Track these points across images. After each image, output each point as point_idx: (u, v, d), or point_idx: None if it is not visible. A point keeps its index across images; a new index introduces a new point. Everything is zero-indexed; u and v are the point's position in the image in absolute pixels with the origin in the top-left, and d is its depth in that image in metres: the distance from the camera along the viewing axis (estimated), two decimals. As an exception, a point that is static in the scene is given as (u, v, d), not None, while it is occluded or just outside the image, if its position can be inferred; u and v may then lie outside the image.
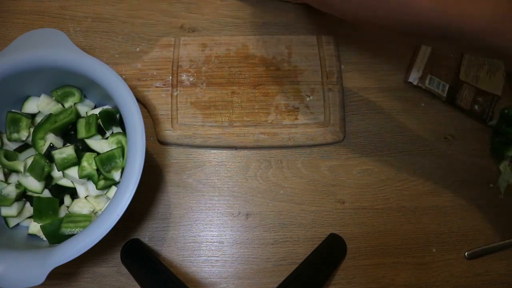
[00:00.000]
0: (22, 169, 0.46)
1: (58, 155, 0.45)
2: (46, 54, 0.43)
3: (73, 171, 0.45)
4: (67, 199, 0.47)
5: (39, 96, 0.49)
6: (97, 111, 0.49)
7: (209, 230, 0.52)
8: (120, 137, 0.47)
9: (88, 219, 0.44)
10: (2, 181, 0.46)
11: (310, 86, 0.56)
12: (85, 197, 0.47)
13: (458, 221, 0.54)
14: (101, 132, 0.48)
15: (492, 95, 0.58)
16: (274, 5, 0.60)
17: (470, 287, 0.52)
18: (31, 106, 0.49)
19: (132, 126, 0.41)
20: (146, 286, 0.45)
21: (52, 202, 0.45)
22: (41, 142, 0.47)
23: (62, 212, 0.47)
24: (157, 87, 0.54)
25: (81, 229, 0.43)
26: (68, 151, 0.45)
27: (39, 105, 0.48)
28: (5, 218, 0.46)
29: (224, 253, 0.51)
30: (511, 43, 0.34)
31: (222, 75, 0.56)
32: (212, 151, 0.54)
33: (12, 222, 0.46)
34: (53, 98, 0.49)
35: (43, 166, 0.45)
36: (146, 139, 0.41)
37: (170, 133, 0.53)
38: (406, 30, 0.38)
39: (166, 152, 0.54)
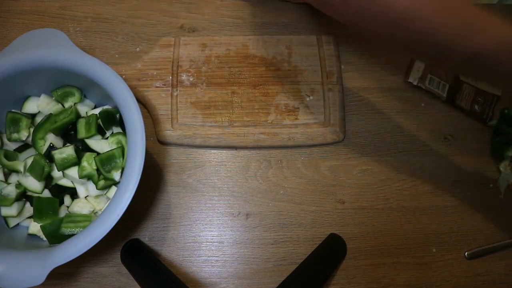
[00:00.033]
0: (22, 169, 0.46)
1: (58, 155, 0.45)
2: (46, 54, 0.43)
3: (73, 171, 0.45)
4: (67, 199, 0.47)
5: (39, 96, 0.49)
6: (97, 111, 0.49)
7: (209, 230, 0.52)
8: (120, 137, 0.47)
9: (88, 219, 0.44)
10: (2, 181, 0.46)
11: (310, 86, 0.56)
12: (85, 197, 0.47)
13: (458, 221, 0.54)
14: (101, 132, 0.48)
15: (492, 95, 0.58)
16: (274, 5, 0.60)
17: (470, 287, 0.52)
18: (31, 106, 0.49)
19: (132, 126, 0.41)
20: (146, 286, 0.45)
21: (52, 202, 0.45)
22: (41, 142, 0.47)
23: (62, 212, 0.47)
24: (157, 87, 0.54)
25: (81, 229, 0.43)
26: (68, 151, 0.45)
27: (39, 105, 0.48)
28: (5, 218, 0.46)
29: (224, 253, 0.51)
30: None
31: (222, 75, 0.56)
32: (212, 151, 0.54)
33: (12, 222, 0.46)
34: (53, 98, 0.49)
35: (43, 166, 0.45)
36: (146, 139, 0.41)
37: (170, 133, 0.53)
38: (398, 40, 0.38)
39: (166, 152, 0.54)
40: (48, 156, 0.46)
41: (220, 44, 0.57)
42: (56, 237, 0.43)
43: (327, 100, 0.55)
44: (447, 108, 0.58)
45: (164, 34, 0.58)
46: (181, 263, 0.50)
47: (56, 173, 0.46)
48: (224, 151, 0.54)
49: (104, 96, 0.48)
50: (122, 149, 0.46)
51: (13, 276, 0.37)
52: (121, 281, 0.49)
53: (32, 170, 0.45)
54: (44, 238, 0.44)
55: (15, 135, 0.47)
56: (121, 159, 0.46)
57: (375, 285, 0.51)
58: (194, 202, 0.52)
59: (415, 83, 0.57)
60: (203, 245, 0.51)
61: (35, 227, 0.45)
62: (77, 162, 0.45)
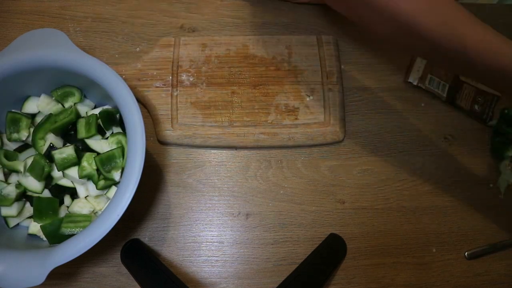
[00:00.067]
0: (22, 169, 0.46)
1: (58, 155, 0.45)
2: (46, 54, 0.43)
3: (73, 171, 0.45)
4: (67, 199, 0.47)
5: (39, 96, 0.49)
6: (97, 111, 0.49)
7: (209, 230, 0.52)
8: (120, 137, 0.47)
9: (88, 219, 0.44)
10: (2, 181, 0.46)
11: (310, 86, 0.56)
12: (85, 197, 0.47)
13: (458, 221, 0.54)
14: (101, 132, 0.48)
15: (492, 95, 0.58)
16: (274, 5, 0.60)
17: (470, 287, 0.52)
18: (31, 106, 0.49)
19: (132, 126, 0.41)
20: (146, 286, 0.45)
21: (52, 202, 0.45)
22: (41, 142, 0.47)
23: (62, 212, 0.47)
24: (157, 87, 0.54)
25: (81, 229, 0.43)
26: (68, 151, 0.45)
27: (39, 105, 0.48)
28: (5, 218, 0.46)
29: (224, 253, 0.51)
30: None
31: (222, 75, 0.56)
32: (212, 151, 0.54)
33: (12, 222, 0.46)
34: (53, 98, 0.49)
35: (43, 166, 0.45)
36: (146, 139, 0.41)
37: (170, 133, 0.53)
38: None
39: (166, 152, 0.54)
40: (48, 156, 0.46)
41: (220, 44, 0.57)
42: (56, 237, 0.43)
43: (327, 100, 0.55)
44: (447, 108, 0.58)
45: (164, 34, 0.58)
46: (181, 263, 0.50)
47: (56, 173, 0.46)
48: (224, 151, 0.54)
49: (104, 96, 0.48)
50: (122, 149, 0.46)
51: (13, 276, 0.37)
52: (121, 281, 0.49)
53: (32, 170, 0.45)
54: (44, 238, 0.44)
55: (15, 135, 0.47)
56: (121, 159, 0.46)
57: (375, 285, 0.51)
58: (194, 202, 0.52)
59: (415, 83, 0.57)
60: (203, 245, 0.51)
61: (35, 227, 0.45)
62: (77, 162, 0.45)
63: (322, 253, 0.50)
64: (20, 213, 0.46)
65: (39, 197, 0.46)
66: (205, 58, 0.56)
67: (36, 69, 0.44)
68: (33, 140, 0.47)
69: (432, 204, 0.54)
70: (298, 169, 0.54)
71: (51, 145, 0.46)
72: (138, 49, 0.57)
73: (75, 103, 0.49)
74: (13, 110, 0.48)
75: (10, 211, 0.45)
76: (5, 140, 0.48)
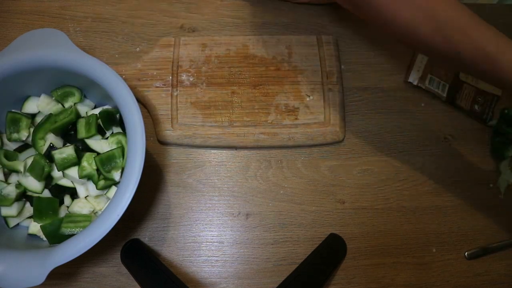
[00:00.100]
0: (22, 169, 0.46)
1: (58, 155, 0.45)
2: (46, 54, 0.43)
3: (73, 171, 0.45)
4: (67, 199, 0.47)
5: (39, 96, 0.49)
6: (97, 111, 0.49)
7: (209, 230, 0.52)
8: (120, 137, 0.47)
9: (88, 219, 0.44)
10: (2, 181, 0.46)
11: (310, 86, 0.56)
12: (85, 197, 0.47)
13: (458, 221, 0.54)
14: (101, 132, 0.48)
15: (492, 95, 0.58)
16: (274, 5, 0.60)
17: (470, 287, 0.52)
18: (31, 106, 0.49)
19: (132, 126, 0.41)
20: (146, 286, 0.45)
21: (52, 202, 0.45)
22: (41, 142, 0.47)
23: (62, 212, 0.47)
24: (157, 87, 0.54)
25: (81, 229, 0.43)
26: (68, 151, 0.45)
27: (39, 105, 0.48)
28: (5, 218, 0.46)
29: (224, 253, 0.51)
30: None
31: (222, 75, 0.56)
32: (212, 151, 0.54)
33: (12, 222, 0.46)
34: (53, 98, 0.49)
35: (43, 166, 0.45)
36: (146, 139, 0.41)
37: (170, 133, 0.53)
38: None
39: (166, 152, 0.54)
40: (48, 156, 0.46)
41: (220, 44, 0.57)
42: (56, 237, 0.43)
43: (327, 100, 0.55)
44: (447, 108, 0.58)
45: (164, 34, 0.58)
46: (181, 263, 0.50)
47: (56, 173, 0.46)
48: (224, 151, 0.54)
49: (104, 96, 0.48)
50: (122, 149, 0.46)
51: (13, 276, 0.37)
52: (121, 281, 0.49)
53: (32, 170, 0.45)
54: (44, 238, 0.44)
55: (15, 135, 0.47)
56: (121, 159, 0.46)
57: (375, 285, 0.51)
58: (194, 202, 0.52)
59: (415, 83, 0.57)
60: (203, 245, 0.51)
61: (35, 227, 0.45)
62: (77, 162, 0.45)
63: (322, 253, 0.50)
64: (20, 213, 0.46)
65: (39, 197, 0.46)
66: (205, 58, 0.56)
67: (36, 69, 0.44)
68: (33, 140, 0.47)
69: (432, 204, 0.54)
70: (298, 169, 0.54)
71: (51, 145, 0.46)
72: (138, 49, 0.57)
73: (75, 103, 0.49)
74: (13, 110, 0.48)
75: (10, 211, 0.45)
76: (5, 140, 0.48)
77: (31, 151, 0.48)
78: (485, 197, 0.55)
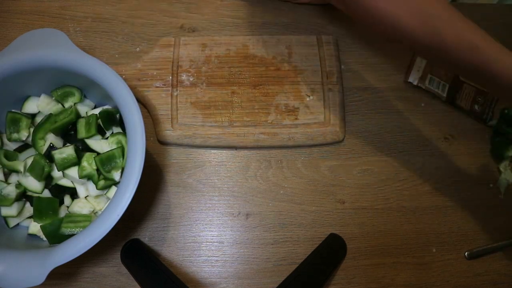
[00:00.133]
0: (22, 169, 0.46)
1: (58, 155, 0.45)
2: (46, 54, 0.43)
3: (73, 171, 0.45)
4: (67, 199, 0.47)
5: (39, 96, 0.49)
6: (97, 111, 0.49)
7: (209, 230, 0.52)
8: (120, 137, 0.47)
9: (88, 219, 0.44)
10: (2, 181, 0.46)
11: (310, 86, 0.56)
12: (85, 197, 0.47)
13: (458, 221, 0.54)
14: (101, 132, 0.48)
15: (492, 95, 0.58)
16: (274, 5, 0.60)
17: (470, 287, 0.52)
18: (31, 106, 0.49)
19: (132, 126, 0.41)
20: (146, 286, 0.45)
21: (52, 202, 0.45)
22: (41, 142, 0.47)
23: (62, 212, 0.47)
24: (157, 87, 0.54)
25: (81, 229, 0.43)
26: (68, 151, 0.45)
27: (39, 105, 0.48)
28: (5, 218, 0.46)
29: (224, 253, 0.51)
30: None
31: (222, 75, 0.56)
32: (212, 151, 0.54)
33: (12, 222, 0.46)
34: (53, 98, 0.49)
35: (43, 166, 0.45)
36: (146, 139, 0.41)
37: (170, 133, 0.53)
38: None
39: (166, 152, 0.54)
40: (48, 156, 0.46)
41: (220, 44, 0.57)
42: (56, 237, 0.43)
43: (327, 100, 0.55)
44: (447, 108, 0.58)
45: (164, 34, 0.58)
46: (181, 263, 0.50)
47: (56, 173, 0.46)
48: (224, 151, 0.54)
49: (104, 96, 0.48)
50: (122, 149, 0.46)
51: (13, 276, 0.37)
52: (121, 281, 0.49)
53: (32, 170, 0.45)
54: (44, 238, 0.44)
55: (15, 135, 0.47)
56: (121, 159, 0.46)
57: (375, 285, 0.51)
58: (194, 202, 0.52)
59: (415, 83, 0.57)
60: (203, 245, 0.51)
61: (35, 227, 0.45)
62: (77, 162, 0.45)
63: (322, 253, 0.50)
64: (20, 213, 0.46)
65: (39, 197, 0.46)
66: (205, 58, 0.56)
67: (36, 69, 0.44)
68: (33, 140, 0.47)
69: (432, 204, 0.54)
70: (298, 169, 0.54)
71: (51, 145, 0.46)
72: (138, 49, 0.57)
73: (75, 103, 0.49)
74: (13, 110, 0.48)
75: (10, 211, 0.45)
76: (5, 140, 0.48)
77: (31, 151, 0.48)
78: (485, 197, 0.55)
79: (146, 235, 0.51)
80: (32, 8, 0.58)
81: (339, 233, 0.52)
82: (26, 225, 0.46)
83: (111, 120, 0.48)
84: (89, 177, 0.46)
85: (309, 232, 0.52)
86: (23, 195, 0.46)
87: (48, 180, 0.46)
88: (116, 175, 0.45)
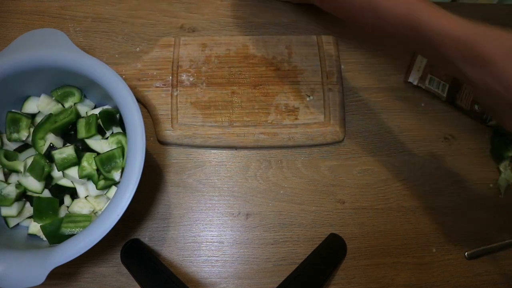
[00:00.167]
0: (22, 169, 0.46)
1: (58, 155, 0.45)
2: (46, 54, 0.43)
3: (73, 171, 0.45)
4: (67, 199, 0.47)
5: (39, 96, 0.49)
6: (97, 111, 0.49)
7: (209, 230, 0.52)
8: (120, 137, 0.47)
9: (88, 219, 0.44)
10: (2, 181, 0.46)
11: (310, 86, 0.56)
12: (85, 197, 0.47)
13: (458, 221, 0.54)
14: (101, 132, 0.48)
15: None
16: (274, 5, 0.60)
17: (470, 287, 0.52)
18: (31, 106, 0.49)
19: (132, 126, 0.41)
20: (146, 286, 0.45)
21: (52, 202, 0.45)
22: (41, 142, 0.47)
23: (62, 212, 0.47)
24: (157, 87, 0.54)
25: (81, 229, 0.43)
26: (68, 151, 0.45)
27: (39, 105, 0.48)
28: (5, 218, 0.46)
29: (224, 253, 0.51)
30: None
31: (222, 75, 0.56)
32: (212, 151, 0.54)
33: (12, 222, 0.46)
34: (53, 98, 0.49)
35: (43, 166, 0.45)
36: (146, 139, 0.41)
37: (170, 133, 0.53)
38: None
39: (166, 152, 0.54)
40: (48, 156, 0.46)
41: (220, 44, 0.57)
42: (56, 237, 0.43)
43: (327, 100, 0.55)
44: (447, 108, 0.58)
45: (164, 34, 0.58)
46: (181, 263, 0.50)
47: (56, 173, 0.46)
48: (224, 151, 0.54)
49: (104, 96, 0.48)
50: (122, 149, 0.46)
51: (13, 276, 0.37)
52: (121, 281, 0.49)
53: (32, 170, 0.45)
54: (44, 238, 0.44)
55: (15, 135, 0.47)
56: (121, 159, 0.46)
57: (375, 285, 0.51)
58: (194, 202, 0.52)
59: (415, 83, 0.57)
60: (203, 245, 0.51)
61: (35, 227, 0.45)
62: (77, 162, 0.45)
63: (322, 253, 0.50)
64: (20, 213, 0.46)
65: (39, 197, 0.46)
66: (205, 58, 0.56)
67: (36, 69, 0.44)
68: (33, 140, 0.47)
69: (432, 204, 0.54)
70: (298, 169, 0.54)
71: (51, 145, 0.46)
72: (138, 49, 0.57)
73: (75, 103, 0.49)
74: (13, 110, 0.48)
75: (10, 211, 0.45)
76: (5, 140, 0.48)
77: (31, 151, 0.48)
78: (485, 197, 0.55)
79: (146, 235, 0.51)
80: (32, 8, 0.58)
81: (339, 233, 0.52)
82: (26, 225, 0.46)
83: (111, 120, 0.48)
84: (89, 177, 0.46)
85: (309, 232, 0.52)
86: (23, 195, 0.46)
87: (48, 180, 0.46)
88: (116, 175, 0.45)
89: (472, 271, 0.52)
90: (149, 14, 0.59)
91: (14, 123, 0.47)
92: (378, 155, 0.55)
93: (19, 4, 0.58)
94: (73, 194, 0.48)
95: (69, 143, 0.48)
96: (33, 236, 0.46)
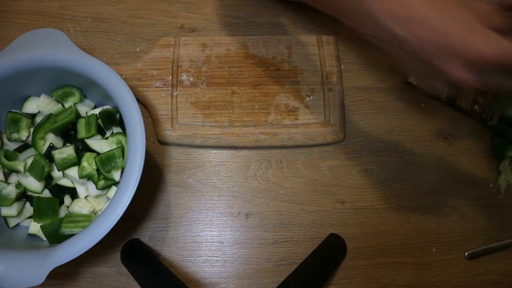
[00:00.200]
0: (22, 169, 0.46)
1: (58, 155, 0.45)
2: (46, 54, 0.43)
3: (73, 171, 0.45)
4: (67, 199, 0.47)
5: (39, 96, 0.49)
6: (97, 111, 0.49)
7: (209, 230, 0.52)
8: (120, 137, 0.47)
9: (88, 219, 0.44)
10: (2, 181, 0.46)
11: (310, 86, 0.56)
12: (85, 197, 0.47)
13: (458, 221, 0.54)
14: (101, 132, 0.48)
15: (492, 95, 0.58)
16: (274, 5, 0.60)
17: (470, 287, 0.52)
18: (31, 106, 0.49)
19: (132, 126, 0.41)
20: (146, 286, 0.45)
21: (52, 202, 0.45)
22: (41, 142, 0.47)
23: (62, 212, 0.47)
24: (157, 87, 0.54)
25: (81, 229, 0.43)
26: (68, 151, 0.45)
27: (39, 105, 0.48)
28: (5, 218, 0.46)
29: (224, 253, 0.51)
30: None
31: (222, 75, 0.56)
32: (212, 151, 0.54)
33: (12, 222, 0.46)
34: (53, 98, 0.49)
35: (43, 166, 0.45)
36: (146, 139, 0.41)
37: (170, 133, 0.53)
38: None
39: (166, 152, 0.54)
40: (48, 156, 0.46)
41: (220, 44, 0.57)
42: (56, 237, 0.43)
43: (327, 100, 0.55)
44: (447, 108, 0.58)
45: (164, 34, 0.58)
46: (181, 263, 0.50)
47: (56, 173, 0.46)
48: (224, 151, 0.54)
49: (104, 96, 0.48)
50: (122, 149, 0.46)
51: (13, 276, 0.37)
52: (121, 281, 0.49)
53: (32, 170, 0.45)
54: (44, 238, 0.44)
55: (15, 135, 0.47)
56: (121, 159, 0.46)
57: (375, 285, 0.51)
58: (194, 202, 0.52)
59: (415, 83, 0.57)
60: (203, 245, 0.51)
61: (35, 227, 0.45)
62: (77, 162, 0.45)
63: (322, 253, 0.50)
64: (20, 213, 0.46)
65: (39, 197, 0.46)
66: (205, 58, 0.56)
67: (36, 69, 0.44)
68: (33, 140, 0.47)
69: (432, 204, 0.54)
70: (298, 169, 0.54)
71: (51, 145, 0.46)
72: (138, 49, 0.57)
73: (75, 103, 0.49)
74: (13, 110, 0.48)
75: (10, 211, 0.45)
76: (5, 140, 0.48)
77: (31, 151, 0.48)
78: (485, 197, 0.55)
79: (146, 235, 0.51)
80: (32, 8, 0.58)
81: (339, 233, 0.52)
82: (26, 225, 0.46)
83: (111, 120, 0.48)
84: (89, 177, 0.46)
85: (309, 232, 0.52)
86: (23, 195, 0.46)
87: (48, 180, 0.46)
88: (116, 175, 0.45)
89: (472, 271, 0.52)
90: (149, 14, 0.59)
91: (14, 123, 0.47)
92: (378, 155, 0.55)
93: (19, 4, 0.58)
94: (73, 194, 0.48)
95: (69, 143, 0.48)
96: (33, 236, 0.46)
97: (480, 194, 0.55)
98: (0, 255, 0.39)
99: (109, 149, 0.46)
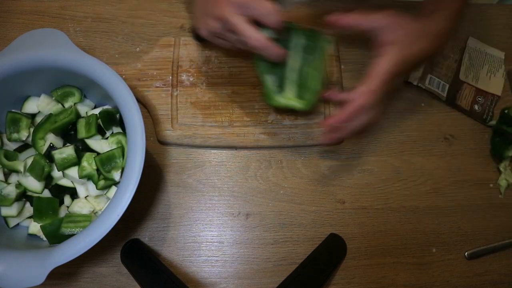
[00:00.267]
0: (22, 169, 0.46)
1: (58, 155, 0.45)
2: (46, 54, 0.43)
3: (73, 171, 0.45)
4: (67, 199, 0.47)
5: (39, 96, 0.49)
6: (97, 111, 0.49)
7: (209, 230, 0.52)
8: (120, 137, 0.47)
9: (88, 219, 0.44)
10: (2, 181, 0.46)
11: (310, 86, 0.56)
12: (85, 197, 0.47)
13: (458, 221, 0.54)
14: (101, 132, 0.48)
15: (492, 95, 0.58)
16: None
17: (470, 287, 0.52)
18: (31, 106, 0.49)
19: (132, 126, 0.41)
20: (146, 286, 0.45)
21: (52, 202, 0.45)
22: (41, 142, 0.47)
23: (62, 212, 0.47)
24: (157, 87, 0.54)
25: (81, 229, 0.43)
26: (68, 151, 0.45)
27: (39, 105, 0.48)
28: (5, 218, 0.46)
29: (224, 253, 0.51)
30: None
31: (222, 75, 0.56)
32: (212, 151, 0.54)
33: (12, 222, 0.46)
34: (53, 98, 0.49)
35: (43, 166, 0.45)
36: (146, 139, 0.41)
37: (170, 133, 0.53)
38: None
39: (166, 152, 0.54)
40: (48, 156, 0.46)
41: (220, 44, 0.57)
42: (56, 237, 0.43)
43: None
44: (447, 108, 0.58)
45: (164, 34, 0.58)
46: (181, 263, 0.50)
47: (56, 173, 0.46)
48: (224, 151, 0.54)
49: (104, 96, 0.48)
50: (122, 149, 0.46)
51: (13, 276, 0.37)
52: (121, 281, 0.49)
53: (32, 170, 0.45)
54: (44, 238, 0.44)
55: (15, 135, 0.47)
56: (121, 159, 0.46)
57: (375, 285, 0.51)
58: (194, 202, 0.52)
59: (415, 83, 0.57)
60: (203, 245, 0.51)
61: (35, 227, 0.45)
62: (77, 162, 0.45)
63: (322, 253, 0.50)
64: (20, 213, 0.46)
65: (39, 197, 0.46)
66: (205, 58, 0.56)
67: (36, 69, 0.44)
68: (33, 140, 0.47)
69: (432, 204, 0.54)
70: (298, 169, 0.54)
71: (51, 145, 0.46)
72: (138, 49, 0.57)
73: (75, 103, 0.49)
74: (13, 110, 0.48)
75: (10, 211, 0.45)
76: (5, 140, 0.48)
77: (31, 151, 0.48)
78: (485, 197, 0.55)
79: (146, 235, 0.51)
80: (32, 8, 0.58)
81: (339, 233, 0.52)
82: (26, 225, 0.46)
83: (111, 120, 0.48)
84: (89, 177, 0.46)
85: (309, 232, 0.52)
86: (23, 195, 0.46)
87: (48, 180, 0.46)
88: (116, 175, 0.45)
89: (472, 271, 0.52)
90: (149, 14, 0.59)
91: (14, 123, 0.47)
92: (378, 155, 0.55)
93: (19, 4, 0.58)
94: (73, 194, 0.48)
95: (69, 143, 0.48)
96: (33, 236, 0.46)
97: (480, 194, 0.55)
98: (0, 255, 0.39)
99: (109, 149, 0.46)
